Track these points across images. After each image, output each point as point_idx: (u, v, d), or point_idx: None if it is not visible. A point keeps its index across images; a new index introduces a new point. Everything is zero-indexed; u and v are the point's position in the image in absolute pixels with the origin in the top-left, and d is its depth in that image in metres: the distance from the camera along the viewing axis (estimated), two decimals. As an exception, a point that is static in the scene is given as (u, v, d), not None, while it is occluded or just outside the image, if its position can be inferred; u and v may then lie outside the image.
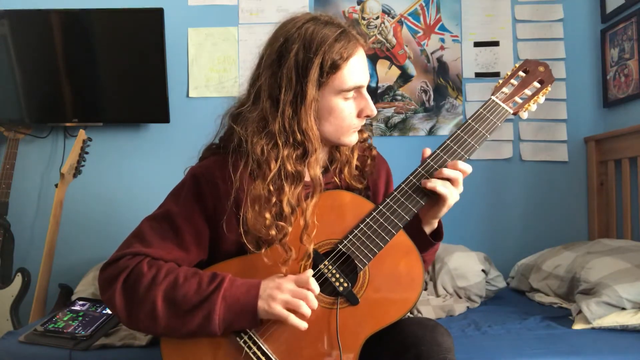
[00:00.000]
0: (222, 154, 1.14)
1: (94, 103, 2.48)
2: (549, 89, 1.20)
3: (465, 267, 2.03)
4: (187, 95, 2.56)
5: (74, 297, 1.96)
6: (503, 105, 1.17)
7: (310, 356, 1.06)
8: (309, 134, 1.07)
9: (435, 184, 1.07)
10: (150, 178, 2.51)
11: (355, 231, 1.08)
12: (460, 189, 1.10)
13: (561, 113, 2.52)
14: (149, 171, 2.52)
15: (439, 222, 1.19)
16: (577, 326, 1.63)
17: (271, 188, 1.07)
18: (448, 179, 1.08)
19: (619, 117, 2.41)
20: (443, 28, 2.57)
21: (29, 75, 2.45)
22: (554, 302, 1.92)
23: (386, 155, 1.33)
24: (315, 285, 1.03)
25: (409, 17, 2.57)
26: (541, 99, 1.20)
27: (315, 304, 1.02)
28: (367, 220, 1.09)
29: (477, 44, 2.56)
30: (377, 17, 2.57)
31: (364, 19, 2.57)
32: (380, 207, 1.09)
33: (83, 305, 1.79)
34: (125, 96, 2.50)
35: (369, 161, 1.24)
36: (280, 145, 1.07)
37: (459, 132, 1.13)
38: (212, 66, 2.56)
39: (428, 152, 1.14)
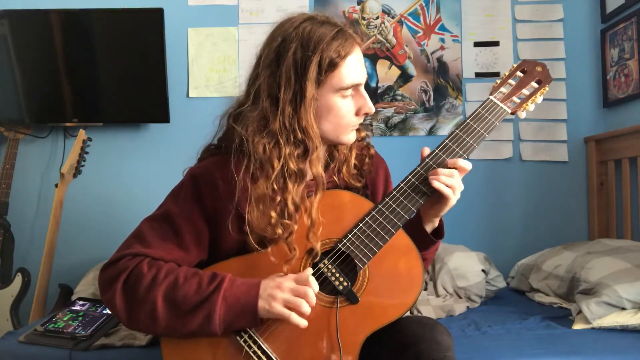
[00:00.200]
0: (222, 154, 1.15)
1: (94, 103, 2.48)
2: (547, 88, 1.21)
3: (465, 267, 2.03)
4: (187, 95, 2.56)
5: (74, 297, 1.96)
6: (501, 104, 1.18)
7: (311, 355, 1.06)
8: (310, 131, 1.08)
9: (439, 183, 1.07)
10: (150, 178, 2.51)
11: (355, 230, 1.08)
12: (461, 187, 1.10)
13: (561, 113, 2.52)
14: (149, 171, 2.52)
15: (440, 221, 1.19)
16: (577, 326, 1.63)
17: (275, 187, 1.07)
18: (449, 177, 1.08)
19: (619, 117, 2.41)
20: (443, 28, 2.57)
21: (29, 75, 2.45)
22: (554, 302, 1.92)
23: (386, 155, 1.33)
24: (314, 284, 1.03)
25: (409, 17, 2.57)
26: (539, 98, 1.21)
27: (314, 300, 1.02)
28: (367, 219, 1.09)
29: (477, 44, 2.56)
30: (377, 17, 2.57)
31: (364, 19, 2.57)
32: (380, 206, 1.10)
33: (83, 305, 1.79)
34: (125, 96, 2.50)
35: (367, 160, 1.24)
36: (282, 143, 1.07)
37: (457, 131, 1.14)
38: (212, 66, 2.56)
39: (427, 151, 1.15)
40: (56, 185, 2.24)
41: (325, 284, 1.08)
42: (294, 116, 1.07)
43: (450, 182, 1.08)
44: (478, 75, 2.56)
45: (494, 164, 2.53)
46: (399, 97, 2.57)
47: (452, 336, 1.08)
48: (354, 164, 1.22)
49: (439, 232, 1.20)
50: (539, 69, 1.22)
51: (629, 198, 2.24)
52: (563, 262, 1.98)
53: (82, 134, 2.27)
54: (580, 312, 1.65)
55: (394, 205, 1.09)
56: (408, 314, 1.28)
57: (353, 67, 1.10)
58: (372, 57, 2.56)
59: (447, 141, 1.13)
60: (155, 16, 2.43)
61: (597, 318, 1.61)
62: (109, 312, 1.70)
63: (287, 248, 1.06)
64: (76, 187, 2.39)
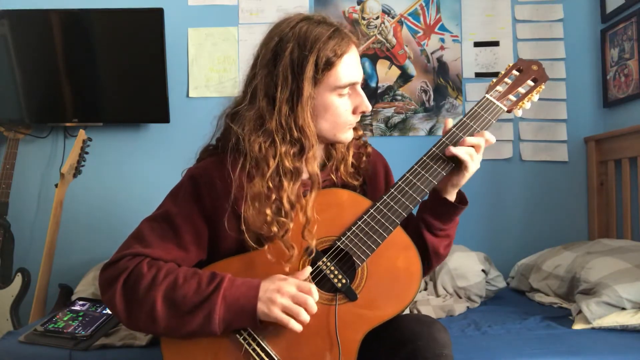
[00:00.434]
0: (220, 154, 1.15)
1: (94, 103, 2.48)
2: (543, 87, 1.22)
3: (465, 267, 2.03)
4: (187, 95, 2.56)
5: (74, 297, 1.96)
6: (497, 103, 1.18)
7: (310, 352, 1.06)
8: (306, 130, 1.08)
9: (459, 151, 1.08)
10: (150, 178, 2.51)
11: (353, 228, 1.09)
12: (480, 156, 1.12)
13: (561, 113, 2.52)
14: (149, 171, 2.53)
15: (460, 192, 1.19)
16: (577, 326, 1.63)
17: (270, 185, 1.08)
18: (472, 146, 1.10)
19: (619, 117, 2.41)
20: (443, 28, 2.57)
21: (29, 75, 2.46)
22: (554, 302, 1.91)
23: (386, 155, 1.33)
24: (315, 293, 1.03)
25: (409, 17, 2.57)
26: (535, 97, 1.22)
27: (314, 309, 1.02)
28: (365, 217, 1.09)
29: (477, 44, 2.56)
30: (377, 17, 2.57)
31: (364, 19, 2.57)
32: (378, 204, 1.10)
33: (83, 305, 1.79)
34: (125, 96, 2.50)
35: (364, 158, 1.25)
36: (278, 142, 1.08)
37: (454, 129, 1.15)
38: (212, 66, 2.56)
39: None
40: (56, 185, 2.24)
41: (324, 282, 1.08)
42: (290, 115, 1.08)
43: (471, 151, 1.10)
44: (478, 75, 2.56)
45: (494, 164, 2.53)
46: (399, 97, 2.57)
47: (449, 334, 1.08)
48: (352, 163, 1.23)
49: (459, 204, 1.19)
50: (534, 67, 1.23)
51: (629, 198, 2.24)
52: (563, 262, 1.98)
53: (82, 134, 2.27)
54: (580, 312, 1.65)
55: (392, 203, 1.10)
56: (407, 311, 1.28)
57: (349, 66, 1.11)
58: (372, 57, 2.56)
59: (444, 139, 1.14)
60: (155, 16, 2.43)
61: (597, 318, 1.61)
62: (109, 312, 1.70)
63: (284, 246, 1.07)
64: (76, 187, 2.39)
